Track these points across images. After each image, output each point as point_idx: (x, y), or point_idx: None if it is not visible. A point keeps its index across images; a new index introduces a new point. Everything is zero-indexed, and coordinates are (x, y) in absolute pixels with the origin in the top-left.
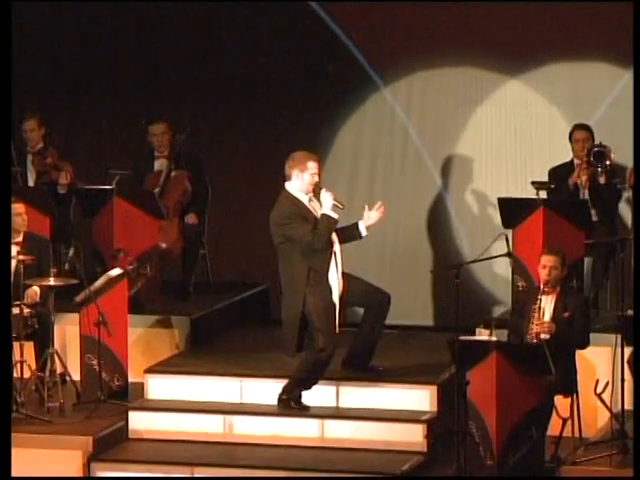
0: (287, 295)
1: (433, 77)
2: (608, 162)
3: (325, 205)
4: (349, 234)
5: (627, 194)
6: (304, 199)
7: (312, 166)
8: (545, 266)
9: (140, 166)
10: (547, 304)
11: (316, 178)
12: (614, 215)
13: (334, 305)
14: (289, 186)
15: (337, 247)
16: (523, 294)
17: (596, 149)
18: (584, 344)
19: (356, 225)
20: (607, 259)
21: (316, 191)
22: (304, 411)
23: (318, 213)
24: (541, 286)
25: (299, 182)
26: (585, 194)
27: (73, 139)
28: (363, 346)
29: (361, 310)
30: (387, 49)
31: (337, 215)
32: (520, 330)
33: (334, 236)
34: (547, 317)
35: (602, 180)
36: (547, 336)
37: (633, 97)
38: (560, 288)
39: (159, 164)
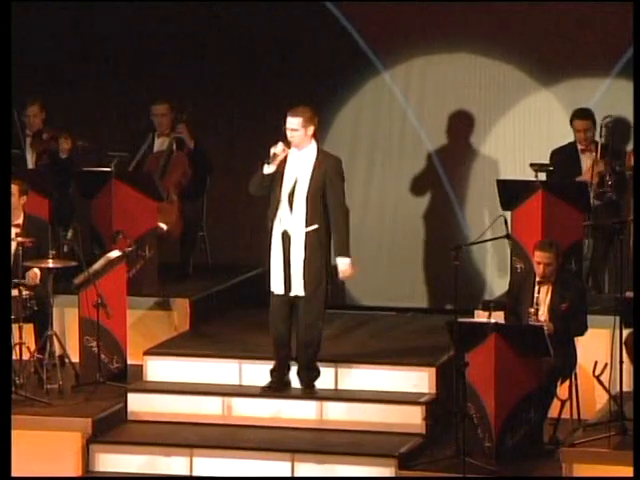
0: None
1: (432, 62)
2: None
3: None
4: None
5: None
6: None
7: (287, 120)
8: (540, 262)
9: (139, 147)
10: (543, 294)
11: (288, 132)
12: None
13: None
14: None
15: (295, 230)
16: (519, 277)
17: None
18: (582, 332)
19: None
20: (607, 241)
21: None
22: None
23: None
24: (537, 279)
25: None
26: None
27: (72, 121)
28: None
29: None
30: (387, 33)
31: (269, 170)
32: (516, 313)
33: (295, 217)
34: (544, 309)
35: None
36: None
37: (633, 84)
38: (556, 276)
39: (160, 144)
